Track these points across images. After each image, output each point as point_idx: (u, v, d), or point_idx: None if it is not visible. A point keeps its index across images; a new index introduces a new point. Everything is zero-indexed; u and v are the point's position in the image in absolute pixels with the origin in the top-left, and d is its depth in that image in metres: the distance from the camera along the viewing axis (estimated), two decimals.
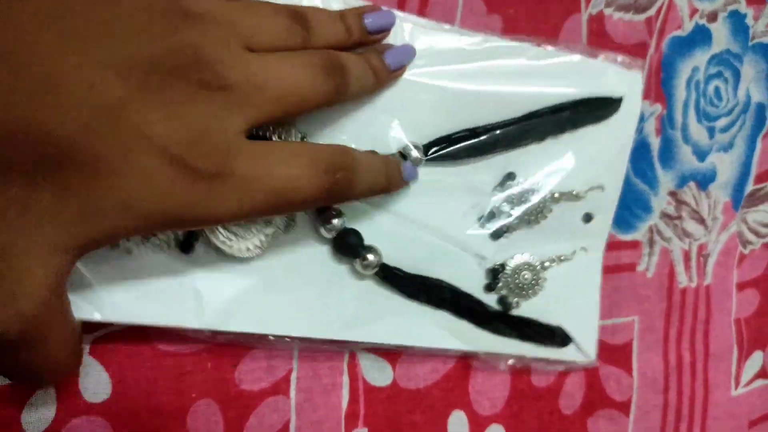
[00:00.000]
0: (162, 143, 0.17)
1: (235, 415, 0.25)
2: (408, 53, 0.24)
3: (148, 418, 0.24)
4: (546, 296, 0.28)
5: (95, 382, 0.23)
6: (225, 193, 0.18)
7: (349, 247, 0.24)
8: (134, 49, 0.16)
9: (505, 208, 0.27)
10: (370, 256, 0.24)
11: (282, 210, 0.20)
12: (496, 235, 0.27)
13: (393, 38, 0.24)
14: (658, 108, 0.31)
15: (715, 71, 0.32)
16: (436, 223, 0.26)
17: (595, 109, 0.28)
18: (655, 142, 0.31)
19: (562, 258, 0.28)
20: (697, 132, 0.32)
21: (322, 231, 0.24)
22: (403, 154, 0.25)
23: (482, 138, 0.26)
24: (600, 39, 0.29)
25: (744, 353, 0.35)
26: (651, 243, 0.32)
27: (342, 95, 0.21)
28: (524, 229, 0.28)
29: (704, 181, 0.33)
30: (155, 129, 0.16)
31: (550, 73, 0.27)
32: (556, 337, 0.29)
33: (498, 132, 0.26)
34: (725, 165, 0.33)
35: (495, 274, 0.27)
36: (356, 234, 0.25)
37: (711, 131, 0.32)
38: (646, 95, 0.30)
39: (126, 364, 0.24)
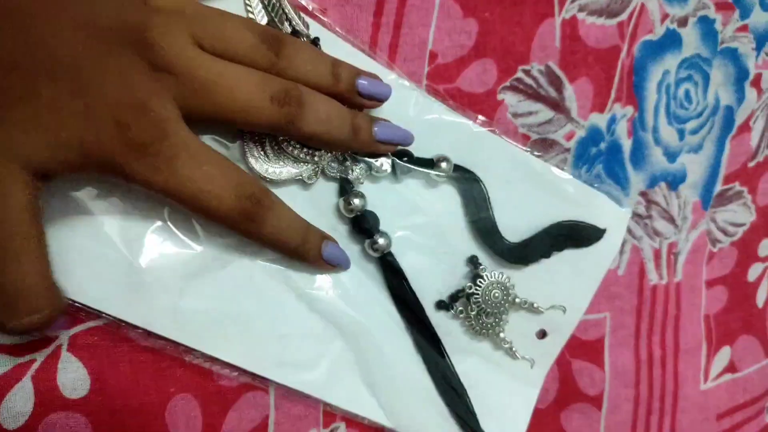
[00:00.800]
0: (111, 105, 0.19)
1: (214, 411, 0.25)
2: (404, 136, 0.26)
3: (126, 414, 0.24)
4: (482, 392, 0.29)
5: (73, 378, 0.24)
6: (155, 166, 0.20)
7: (365, 227, 0.26)
8: (101, 15, 0.19)
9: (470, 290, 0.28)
10: (381, 240, 0.26)
11: (197, 210, 0.22)
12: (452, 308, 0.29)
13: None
14: (630, 110, 0.32)
15: (686, 75, 0.33)
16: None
17: (583, 235, 0.30)
18: (626, 144, 0.32)
19: (512, 349, 0.29)
20: (668, 134, 0.33)
21: (343, 209, 0.26)
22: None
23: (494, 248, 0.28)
24: (573, 43, 0.30)
25: (713, 348, 0.36)
26: (622, 242, 0.33)
27: (293, 127, 0.22)
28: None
29: (674, 181, 0.34)
30: (108, 91, 0.19)
31: (550, 190, 0.29)
32: None
33: (514, 246, 0.29)
34: (695, 166, 0.34)
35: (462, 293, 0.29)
36: (375, 217, 0.26)
37: (681, 133, 0.33)
38: (618, 97, 0.31)
39: (105, 360, 0.24)
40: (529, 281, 0.29)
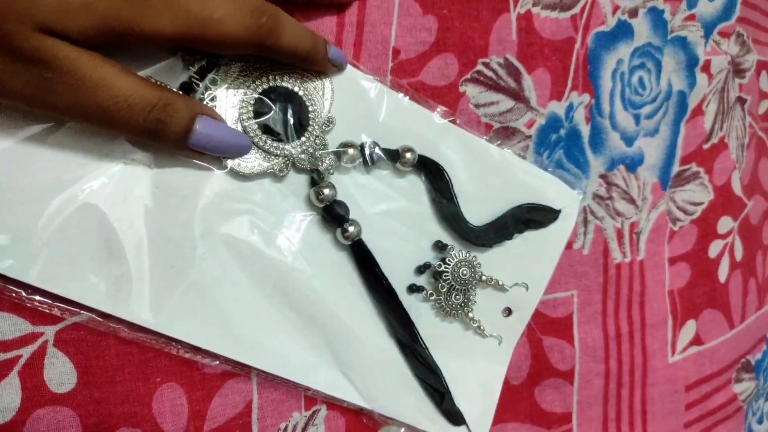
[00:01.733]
0: None
1: (199, 397, 0.26)
2: (346, 60, 0.28)
3: (114, 406, 0.25)
4: (453, 371, 0.30)
5: (60, 372, 0.24)
6: (158, 10, 0.21)
7: (336, 215, 0.27)
8: None
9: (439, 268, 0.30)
10: (352, 228, 0.27)
11: (212, 42, 0.22)
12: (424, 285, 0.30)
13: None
14: (587, 98, 0.33)
15: (638, 63, 0.35)
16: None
17: (540, 217, 0.31)
18: (585, 130, 0.34)
19: (481, 328, 0.31)
20: (624, 119, 0.35)
21: (314, 199, 0.27)
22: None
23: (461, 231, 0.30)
24: (529, 36, 0.31)
25: (678, 322, 0.37)
26: (585, 222, 0.34)
27: (271, 40, 0.23)
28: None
29: (632, 164, 0.35)
30: None
31: (509, 176, 0.31)
32: (456, 416, 0.30)
33: (478, 230, 0.30)
34: (652, 148, 0.36)
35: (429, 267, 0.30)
36: (344, 206, 0.27)
37: (637, 118, 0.35)
38: (574, 86, 0.33)
39: (90, 353, 0.25)
40: (492, 262, 0.31)
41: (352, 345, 0.28)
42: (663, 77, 0.36)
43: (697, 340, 0.38)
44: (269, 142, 0.26)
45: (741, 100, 0.39)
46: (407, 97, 0.29)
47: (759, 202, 0.41)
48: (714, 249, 0.39)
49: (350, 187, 0.28)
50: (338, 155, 0.27)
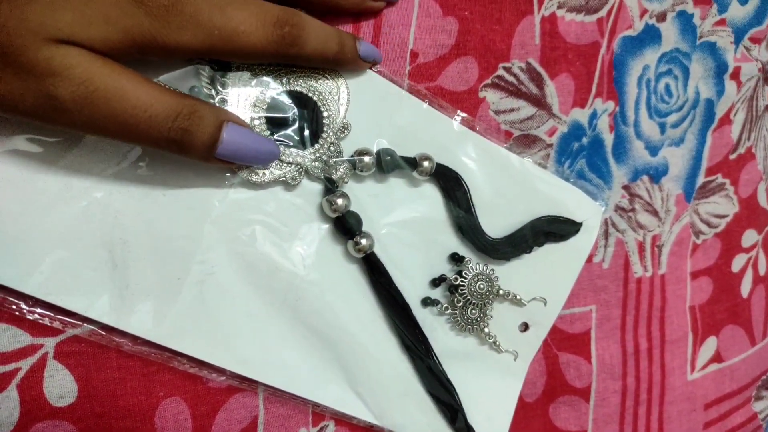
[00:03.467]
0: None
1: (204, 412, 0.26)
2: (380, 54, 0.27)
3: (115, 420, 0.24)
4: (467, 387, 0.29)
5: (60, 385, 0.24)
6: (180, 24, 0.20)
7: (348, 227, 0.26)
8: None
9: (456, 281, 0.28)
10: (364, 241, 0.26)
11: (235, 54, 0.22)
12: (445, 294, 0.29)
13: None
14: (611, 105, 0.32)
15: (665, 69, 0.33)
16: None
17: (561, 229, 0.30)
18: (608, 138, 0.32)
19: (496, 343, 0.30)
20: (649, 128, 0.33)
21: (327, 209, 0.26)
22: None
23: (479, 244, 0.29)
24: (553, 40, 0.30)
25: (699, 339, 0.36)
26: (606, 235, 0.33)
27: (295, 48, 0.23)
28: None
29: (657, 174, 0.34)
30: None
31: (529, 187, 0.30)
32: (468, 431, 0.29)
33: (496, 242, 0.29)
34: (677, 159, 0.34)
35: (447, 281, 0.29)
36: (357, 218, 0.26)
37: (662, 127, 0.34)
38: (599, 92, 0.32)
39: (91, 366, 0.24)
40: (510, 276, 0.30)
41: (363, 360, 0.27)
42: (690, 84, 0.34)
43: (717, 358, 0.37)
44: (282, 149, 0.25)
45: None
46: (426, 102, 0.28)
47: None
48: (737, 263, 0.37)
49: (364, 196, 0.27)
50: (353, 163, 0.26)
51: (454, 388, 0.29)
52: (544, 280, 0.30)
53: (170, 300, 0.24)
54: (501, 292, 0.29)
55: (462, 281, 0.28)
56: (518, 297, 0.30)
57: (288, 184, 0.26)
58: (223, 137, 0.22)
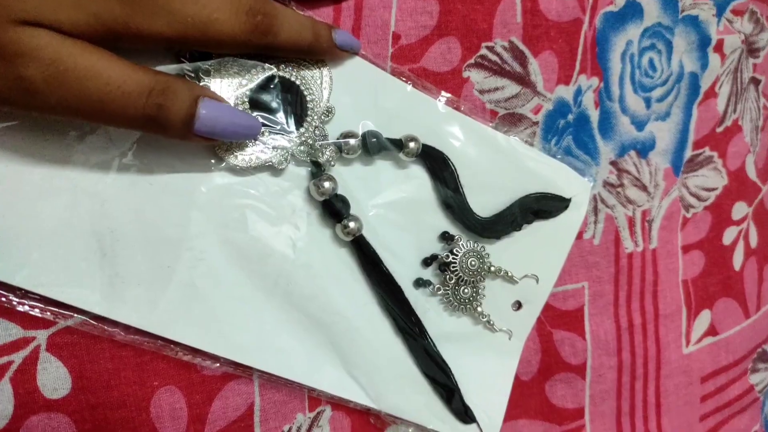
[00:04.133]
0: None
1: (199, 400, 0.26)
2: (358, 44, 0.26)
3: (110, 411, 0.24)
4: (463, 368, 0.29)
5: (53, 378, 0.24)
6: (153, 11, 0.20)
7: (336, 210, 0.26)
8: None
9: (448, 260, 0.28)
10: (352, 224, 0.26)
11: (209, 43, 0.22)
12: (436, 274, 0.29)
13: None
14: (595, 81, 0.32)
15: (648, 44, 0.34)
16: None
17: (549, 206, 0.30)
18: (594, 115, 0.32)
19: (491, 322, 0.30)
20: (634, 102, 0.33)
21: (314, 192, 0.26)
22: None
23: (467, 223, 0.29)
24: (534, 17, 0.30)
25: (693, 312, 0.36)
26: (595, 211, 0.33)
27: (268, 38, 0.23)
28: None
29: (644, 149, 0.34)
30: None
31: (516, 165, 0.30)
32: (466, 414, 0.29)
33: (485, 221, 0.29)
34: (663, 133, 0.35)
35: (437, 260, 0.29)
36: (345, 201, 0.26)
37: (647, 101, 0.34)
38: (582, 69, 0.32)
39: (85, 357, 0.24)
40: (500, 254, 0.30)
41: (358, 343, 0.27)
42: (674, 58, 0.34)
43: (711, 331, 0.37)
44: (267, 133, 0.25)
45: (755, 81, 0.38)
46: (409, 84, 0.28)
47: None
48: (728, 236, 0.38)
49: (351, 178, 0.27)
50: (339, 146, 0.26)
51: (449, 368, 0.29)
52: (535, 257, 0.30)
53: (161, 288, 0.24)
54: (492, 268, 0.29)
55: (453, 258, 0.28)
56: (510, 274, 0.30)
57: (274, 169, 0.26)
58: (199, 112, 0.21)
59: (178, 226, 0.24)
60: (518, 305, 0.31)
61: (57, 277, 0.23)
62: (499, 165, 0.29)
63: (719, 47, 0.35)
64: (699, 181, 0.36)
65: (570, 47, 0.31)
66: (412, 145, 0.27)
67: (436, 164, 0.28)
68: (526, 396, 0.32)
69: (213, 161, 0.25)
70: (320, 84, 0.26)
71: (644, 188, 0.34)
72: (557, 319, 0.32)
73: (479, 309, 0.29)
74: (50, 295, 0.23)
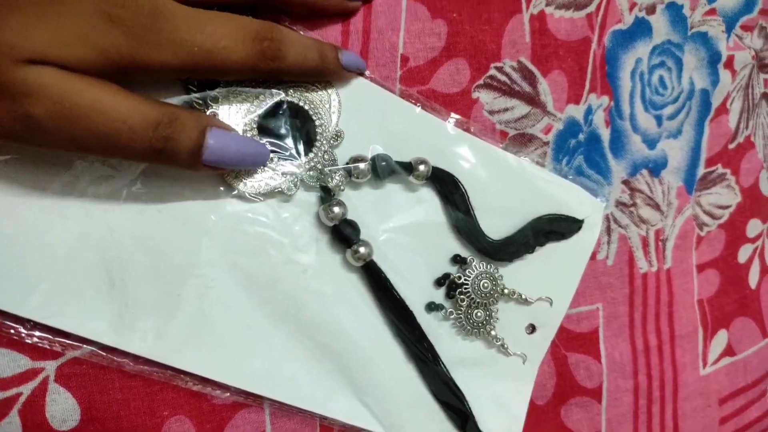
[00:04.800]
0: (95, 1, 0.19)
1: (210, 430, 0.25)
2: (363, 64, 0.26)
3: None
4: (476, 392, 0.29)
5: (62, 409, 0.23)
6: (159, 42, 0.20)
7: (346, 236, 0.26)
8: None
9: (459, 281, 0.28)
10: (362, 249, 0.26)
11: (216, 72, 0.22)
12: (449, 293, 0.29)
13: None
14: (606, 100, 0.32)
15: (658, 61, 0.33)
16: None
17: (562, 227, 0.30)
18: (605, 133, 0.32)
19: (504, 346, 0.29)
20: (645, 121, 0.33)
21: (324, 218, 0.26)
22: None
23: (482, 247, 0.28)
24: (543, 37, 0.30)
25: (709, 333, 0.35)
26: (608, 231, 0.33)
27: (275, 63, 0.23)
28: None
29: (656, 167, 0.34)
30: None
31: (528, 186, 0.29)
32: None
33: (497, 244, 0.29)
34: (675, 151, 0.34)
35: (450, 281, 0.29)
36: (354, 226, 0.26)
37: (659, 119, 0.34)
38: (592, 88, 0.31)
39: (94, 388, 0.24)
40: (513, 277, 0.29)
41: (369, 370, 0.27)
42: (684, 76, 0.34)
43: (729, 351, 0.36)
44: (276, 160, 0.25)
45: (767, 96, 0.37)
46: (418, 107, 0.28)
47: None
48: (743, 254, 0.37)
49: (361, 203, 0.27)
50: (348, 171, 0.26)
51: (462, 394, 0.28)
52: (549, 279, 0.30)
53: (170, 316, 0.24)
54: (506, 290, 0.29)
55: (465, 279, 0.28)
56: (523, 296, 0.29)
57: (284, 195, 0.25)
58: (207, 142, 0.21)
59: (187, 254, 0.24)
60: (532, 328, 0.30)
61: (66, 308, 0.23)
62: (510, 187, 0.29)
63: (729, 63, 0.35)
64: (712, 198, 0.36)
65: (579, 66, 0.31)
66: (422, 168, 0.27)
67: (447, 187, 0.28)
68: (542, 421, 0.31)
69: (222, 189, 0.25)
70: (329, 108, 0.26)
71: (657, 207, 0.34)
72: (572, 341, 0.32)
73: (493, 332, 0.29)
74: (59, 326, 0.23)
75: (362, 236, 0.26)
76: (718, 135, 0.35)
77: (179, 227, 0.24)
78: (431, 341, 0.28)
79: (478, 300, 0.28)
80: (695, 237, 0.35)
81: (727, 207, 0.36)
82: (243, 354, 0.25)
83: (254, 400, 0.26)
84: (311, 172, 0.25)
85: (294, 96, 0.25)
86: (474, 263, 0.28)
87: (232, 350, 0.25)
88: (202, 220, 0.24)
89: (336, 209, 0.25)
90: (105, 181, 0.23)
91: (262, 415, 0.26)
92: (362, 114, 0.27)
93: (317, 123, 0.26)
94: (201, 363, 0.24)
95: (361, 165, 0.26)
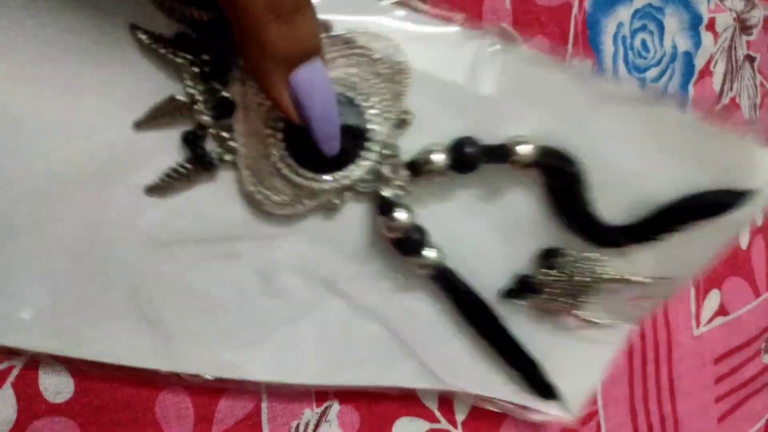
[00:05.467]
0: None
1: (205, 401, 0.25)
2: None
3: (114, 412, 0.24)
4: (556, 347, 0.26)
5: (56, 381, 0.23)
6: None
7: (414, 244, 0.21)
8: None
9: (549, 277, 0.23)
10: (433, 254, 0.22)
11: None
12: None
13: None
14: (589, 63, 0.32)
15: (640, 25, 0.33)
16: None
17: (723, 205, 0.22)
18: None
19: (592, 320, 0.25)
20: (629, 84, 0.33)
21: (385, 230, 0.21)
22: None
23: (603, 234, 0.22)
24: (524, 3, 0.30)
25: (701, 293, 0.36)
26: None
27: None
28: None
29: None
30: None
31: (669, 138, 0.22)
32: (549, 391, 0.26)
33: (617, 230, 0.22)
34: None
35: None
36: (421, 231, 0.22)
37: (643, 82, 0.34)
38: (575, 52, 0.32)
39: (88, 360, 0.24)
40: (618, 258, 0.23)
41: (423, 331, 0.25)
42: (666, 38, 0.34)
43: (722, 311, 0.36)
44: (318, 176, 0.20)
45: (750, 59, 0.38)
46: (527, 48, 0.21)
47: None
48: None
49: (430, 201, 0.22)
50: (416, 166, 0.20)
51: (527, 348, 0.25)
52: (674, 254, 0.23)
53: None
54: (610, 277, 0.23)
55: (555, 277, 0.23)
56: (634, 279, 0.23)
57: (328, 211, 0.21)
58: (315, 60, 0.18)
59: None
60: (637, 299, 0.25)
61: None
62: (637, 138, 0.21)
63: (711, 26, 0.35)
64: None
65: (561, 31, 0.31)
66: (521, 150, 0.20)
67: (555, 168, 0.21)
68: None
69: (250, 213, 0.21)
70: (385, 85, 0.20)
71: None
72: None
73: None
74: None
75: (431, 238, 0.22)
76: (703, 97, 0.36)
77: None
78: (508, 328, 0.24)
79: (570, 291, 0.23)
80: None
81: None
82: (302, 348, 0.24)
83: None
84: (368, 175, 0.20)
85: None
86: (567, 255, 0.23)
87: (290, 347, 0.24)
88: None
89: (401, 215, 0.20)
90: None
91: (258, 385, 0.26)
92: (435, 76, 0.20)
93: (369, 112, 0.20)
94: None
95: (435, 157, 0.20)
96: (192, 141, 0.20)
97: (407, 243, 0.21)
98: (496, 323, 0.24)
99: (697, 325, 0.35)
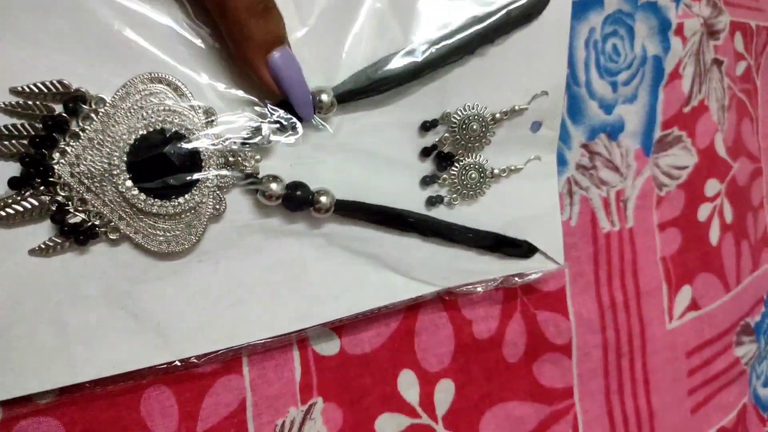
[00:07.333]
0: None
1: (190, 397, 0.26)
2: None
3: (100, 411, 0.24)
4: (504, 208, 0.28)
5: None
6: None
7: (300, 199, 0.24)
8: None
9: (444, 141, 0.27)
10: (323, 198, 0.24)
11: None
12: (440, 168, 0.27)
13: None
14: None
15: (611, 30, 0.35)
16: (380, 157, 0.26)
17: (523, 10, 0.27)
18: None
19: (513, 168, 0.28)
20: (601, 87, 0.35)
21: (266, 201, 0.23)
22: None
23: (405, 66, 0.25)
24: None
25: (673, 288, 0.37)
26: (570, 194, 0.34)
27: None
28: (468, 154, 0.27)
29: (613, 131, 0.35)
30: None
31: None
32: (522, 249, 0.29)
33: (424, 54, 0.25)
34: (632, 115, 0.36)
35: (434, 178, 0.28)
36: (301, 185, 0.24)
37: (614, 85, 0.35)
38: None
39: None
40: (491, 95, 0.27)
41: (406, 251, 0.27)
42: (636, 43, 0.36)
43: (693, 305, 0.37)
44: (173, 200, 0.22)
45: (718, 62, 0.39)
46: None
47: (745, 164, 0.41)
48: (703, 212, 0.38)
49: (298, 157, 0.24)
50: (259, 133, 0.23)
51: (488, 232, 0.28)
52: (532, 72, 0.28)
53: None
54: (497, 114, 0.27)
55: (452, 168, 0.27)
56: (516, 108, 0.27)
57: (215, 216, 0.23)
58: (284, 45, 0.23)
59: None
60: (537, 126, 0.29)
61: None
62: None
63: (680, 31, 0.37)
64: (670, 160, 0.37)
65: None
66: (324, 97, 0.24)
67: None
68: (515, 378, 0.32)
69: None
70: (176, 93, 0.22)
71: (616, 169, 0.35)
72: (540, 300, 0.33)
73: (492, 174, 0.28)
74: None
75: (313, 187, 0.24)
76: (673, 99, 0.37)
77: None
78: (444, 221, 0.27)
79: (470, 145, 0.27)
80: (655, 197, 0.37)
81: (685, 168, 0.38)
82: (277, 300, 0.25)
83: (235, 366, 0.26)
84: (224, 171, 0.23)
85: (150, 118, 0.21)
86: (452, 115, 0.26)
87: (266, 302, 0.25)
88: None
89: (274, 186, 0.23)
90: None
91: (243, 382, 0.27)
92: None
93: (178, 122, 0.22)
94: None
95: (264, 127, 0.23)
96: (59, 221, 0.21)
97: (293, 202, 0.24)
98: (422, 217, 0.27)
99: (670, 320, 0.37)
